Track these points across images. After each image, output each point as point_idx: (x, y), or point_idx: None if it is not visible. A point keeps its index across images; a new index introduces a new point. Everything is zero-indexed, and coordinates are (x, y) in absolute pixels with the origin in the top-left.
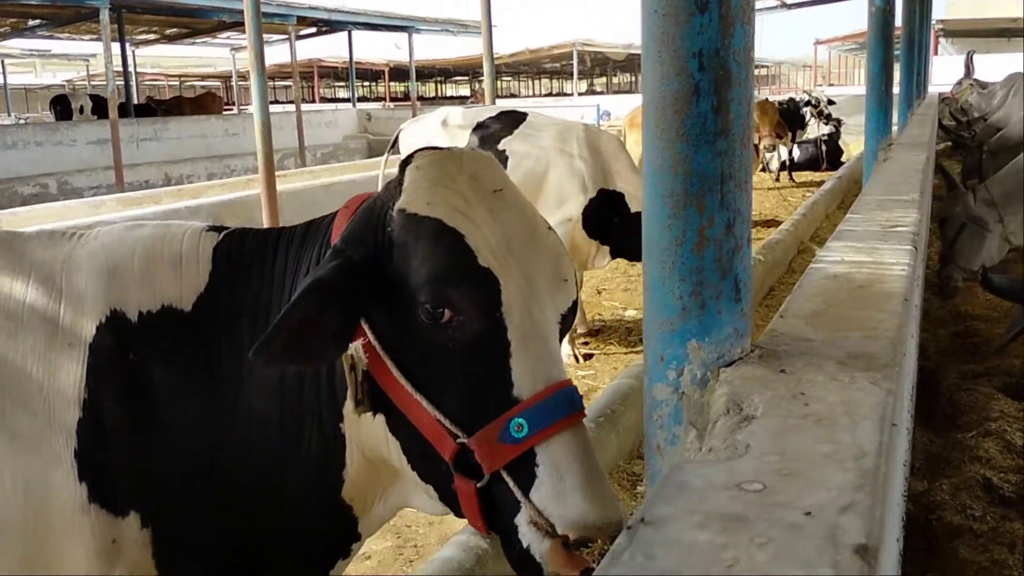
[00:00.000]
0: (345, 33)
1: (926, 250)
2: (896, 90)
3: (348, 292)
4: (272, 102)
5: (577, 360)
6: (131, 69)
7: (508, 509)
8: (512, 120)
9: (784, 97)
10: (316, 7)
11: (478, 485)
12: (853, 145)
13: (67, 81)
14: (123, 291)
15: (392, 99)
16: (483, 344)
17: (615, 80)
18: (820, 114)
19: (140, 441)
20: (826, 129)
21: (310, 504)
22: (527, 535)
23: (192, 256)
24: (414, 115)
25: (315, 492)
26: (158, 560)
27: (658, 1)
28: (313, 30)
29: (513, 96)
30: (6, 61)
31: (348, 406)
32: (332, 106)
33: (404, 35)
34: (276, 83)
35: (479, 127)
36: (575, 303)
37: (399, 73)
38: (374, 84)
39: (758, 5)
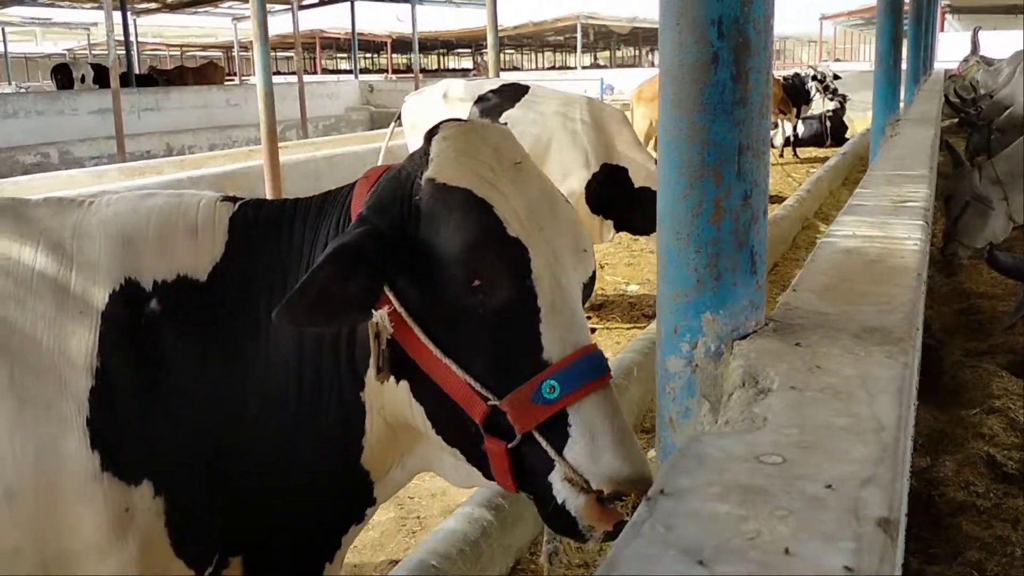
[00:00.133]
0: (348, 4)
1: (931, 227)
2: (903, 66)
3: (374, 257)
4: (274, 73)
5: None
6: (132, 38)
7: (541, 468)
8: (514, 93)
9: (789, 72)
10: None
11: (509, 446)
12: (858, 122)
13: (68, 50)
14: (138, 260)
15: (394, 71)
16: (514, 310)
17: (619, 54)
18: (826, 89)
19: (153, 410)
20: (831, 105)
21: (327, 471)
22: (562, 491)
23: (208, 226)
24: (416, 87)
25: (333, 459)
26: (170, 528)
27: None
28: (316, 0)
29: (516, 69)
30: (6, 29)
31: (371, 373)
32: (334, 77)
33: (407, 6)
34: (278, 54)
35: (481, 100)
36: (594, 273)
37: (401, 45)
38: (376, 56)
39: None
